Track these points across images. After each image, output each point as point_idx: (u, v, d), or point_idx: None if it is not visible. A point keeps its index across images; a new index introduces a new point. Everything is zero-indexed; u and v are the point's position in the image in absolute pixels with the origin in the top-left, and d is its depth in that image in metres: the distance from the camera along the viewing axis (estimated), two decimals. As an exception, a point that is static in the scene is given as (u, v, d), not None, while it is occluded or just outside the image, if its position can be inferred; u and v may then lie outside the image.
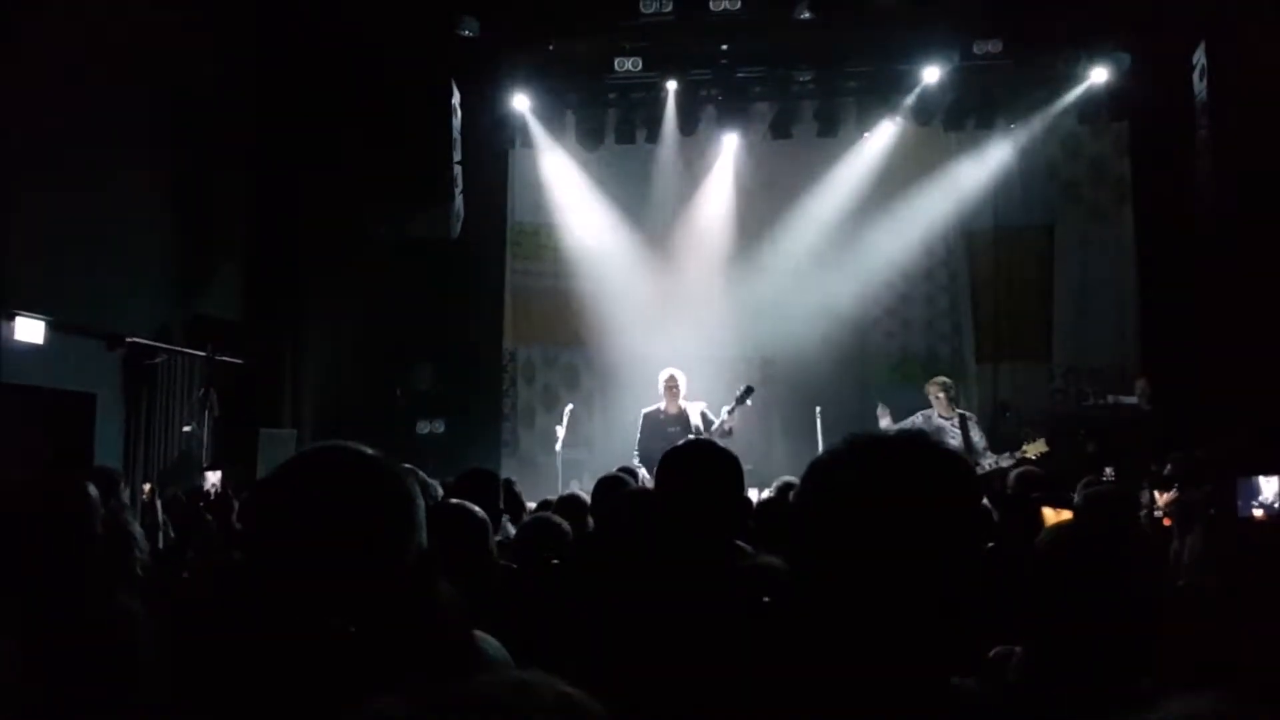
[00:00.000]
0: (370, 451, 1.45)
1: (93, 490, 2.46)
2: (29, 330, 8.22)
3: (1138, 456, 8.54)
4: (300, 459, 1.47)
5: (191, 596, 2.14)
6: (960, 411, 9.28)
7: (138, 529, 3.26)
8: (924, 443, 1.39)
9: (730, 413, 8.50)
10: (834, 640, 1.29)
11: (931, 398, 9.10)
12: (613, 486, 4.52)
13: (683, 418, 8.72)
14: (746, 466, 2.55)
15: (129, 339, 9.04)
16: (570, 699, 0.80)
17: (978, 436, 8.90)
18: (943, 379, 9.36)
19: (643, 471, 6.82)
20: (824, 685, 1.28)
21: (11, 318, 8.07)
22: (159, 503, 5.60)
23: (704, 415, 8.69)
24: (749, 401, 8.66)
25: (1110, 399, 10.01)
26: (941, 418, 8.91)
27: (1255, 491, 6.90)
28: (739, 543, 2.83)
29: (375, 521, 1.39)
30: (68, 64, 8.12)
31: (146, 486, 6.26)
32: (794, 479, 4.63)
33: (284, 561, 1.36)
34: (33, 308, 8.18)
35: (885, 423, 8.78)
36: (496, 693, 0.79)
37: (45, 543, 2.22)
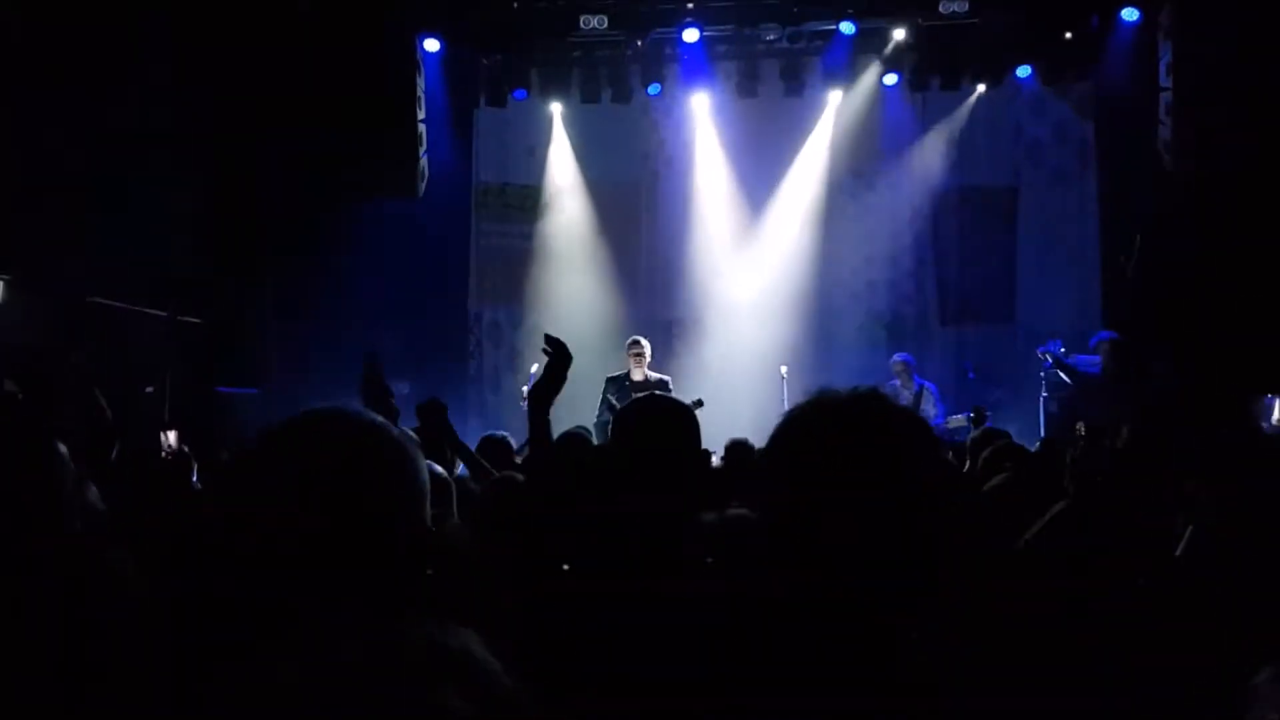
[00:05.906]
0: (375, 418, 1.38)
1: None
2: (-15, 289, 8.09)
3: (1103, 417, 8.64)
4: (293, 422, 1.38)
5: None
6: (924, 383, 9.73)
7: (93, 490, 3.22)
8: (881, 398, 1.44)
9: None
10: (805, 588, 1.33)
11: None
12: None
13: (648, 385, 8.69)
14: (711, 427, 2.53)
15: (89, 299, 8.90)
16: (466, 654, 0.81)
17: (929, 407, 9.40)
18: (901, 362, 9.86)
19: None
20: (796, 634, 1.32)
21: (-33, 276, 7.94)
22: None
23: (667, 387, 8.71)
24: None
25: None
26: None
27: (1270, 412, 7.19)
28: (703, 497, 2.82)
29: (367, 492, 1.31)
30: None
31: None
32: (744, 438, 5.03)
33: (261, 527, 1.29)
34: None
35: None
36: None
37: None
